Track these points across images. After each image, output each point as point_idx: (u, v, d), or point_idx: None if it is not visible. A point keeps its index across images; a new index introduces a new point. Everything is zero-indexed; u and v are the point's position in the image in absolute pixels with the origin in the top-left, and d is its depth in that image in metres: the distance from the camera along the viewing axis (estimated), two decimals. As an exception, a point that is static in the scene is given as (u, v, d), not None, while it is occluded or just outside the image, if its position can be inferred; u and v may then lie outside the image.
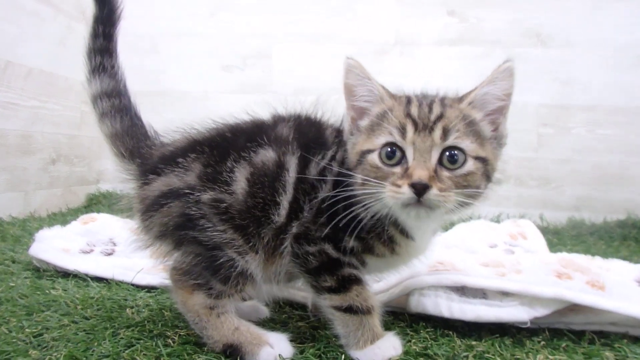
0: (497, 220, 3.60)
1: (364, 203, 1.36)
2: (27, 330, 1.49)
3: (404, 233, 1.43)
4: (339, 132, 1.54)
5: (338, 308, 1.40)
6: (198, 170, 1.44)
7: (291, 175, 1.43)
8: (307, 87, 4.25)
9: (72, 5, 3.95)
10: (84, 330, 1.50)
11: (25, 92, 3.52)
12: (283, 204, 1.42)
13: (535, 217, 3.89)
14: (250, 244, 1.40)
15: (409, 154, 1.33)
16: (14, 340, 1.41)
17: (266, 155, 1.45)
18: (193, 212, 1.40)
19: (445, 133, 1.33)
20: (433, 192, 1.27)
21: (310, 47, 4.38)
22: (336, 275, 1.40)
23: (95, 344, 1.40)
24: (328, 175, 1.44)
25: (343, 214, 1.35)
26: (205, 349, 1.39)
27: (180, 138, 1.58)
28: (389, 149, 1.35)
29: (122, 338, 1.45)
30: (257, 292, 1.53)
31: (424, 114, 1.37)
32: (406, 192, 1.27)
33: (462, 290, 1.63)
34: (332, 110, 1.58)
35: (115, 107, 1.68)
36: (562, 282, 1.60)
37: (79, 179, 4.24)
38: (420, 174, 1.28)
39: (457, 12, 4.22)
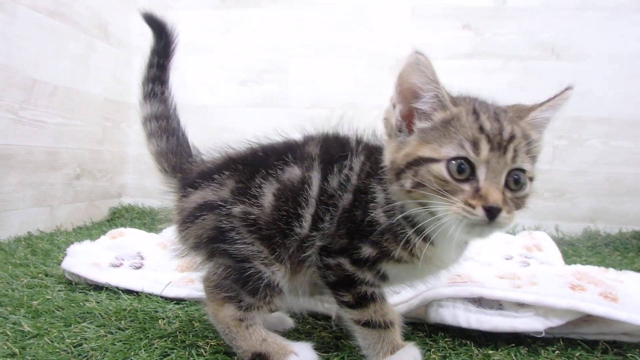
0: (513, 232, 3.64)
1: (403, 210, 1.38)
2: (67, 340, 1.56)
3: (425, 238, 1.38)
4: (358, 142, 1.58)
5: (357, 322, 1.45)
6: (231, 186, 1.53)
7: (313, 189, 1.49)
8: (322, 100, 4.34)
9: (94, 24, 4.03)
10: (121, 341, 1.58)
11: (51, 109, 3.61)
12: (305, 217, 1.48)
13: (550, 228, 3.95)
14: (275, 254, 1.47)
15: (481, 172, 1.29)
16: (56, 350, 1.49)
17: (292, 172, 1.52)
18: (224, 225, 1.49)
19: (515, 154, 1.32)
20: (503, 215, 1.25)
21: (325, 60, 4.45)
22: (352, 292, 1.45)
23: (132, 353, 1.48)
24: (347, 185, 1.48)
25: (360, 218, 1.42)
26: (235, 358, 1.46)
27: (218, 156, 1.68)
28: (461, 164, 1.29)
29: (156, 348, 1.52)
30: (283, 303, 1.58)
31: (497, 131, 1.32)
32: (480, 214, 1.24)
33: (479, 302, 1.69)
34: (350, 124, 1.64)
35: (162, 128, 1.80)
36: (576, 294, 1.66)
37: (101, 193, 4.33)
38: (495, 197, 1.25)
39: (471, 25, 4.27)
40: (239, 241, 1.47)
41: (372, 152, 1.54)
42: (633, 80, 4.06)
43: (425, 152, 1.34)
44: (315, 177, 1.51)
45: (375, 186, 1.45)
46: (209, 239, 1.52)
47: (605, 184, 4.12)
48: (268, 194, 1.50)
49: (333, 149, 1.56)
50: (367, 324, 1.44)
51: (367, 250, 1.42)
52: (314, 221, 1.48)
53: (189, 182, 1.62)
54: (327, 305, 1.86)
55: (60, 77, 3.65)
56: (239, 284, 1.47)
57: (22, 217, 3.38)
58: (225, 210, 1.50)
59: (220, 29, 4.61)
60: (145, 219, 4.03)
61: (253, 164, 1.56)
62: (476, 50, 4.28)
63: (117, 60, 4.39)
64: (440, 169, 1.30)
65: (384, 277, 1.46)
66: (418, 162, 1.34)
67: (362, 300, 1.45)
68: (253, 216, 1.48)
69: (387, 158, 1.43)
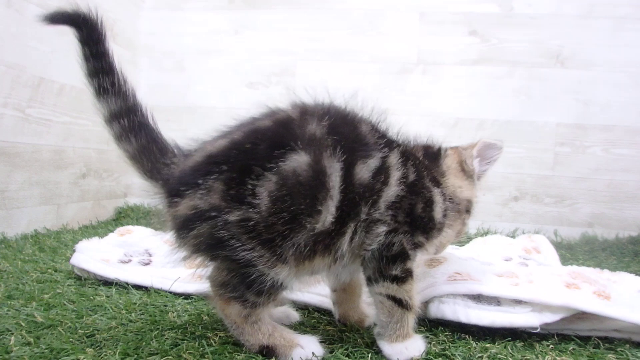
0: (513, 235, 3.70)
1: None
2: (80, 331, 1.61)
3: None
4: (373, 127, 1.61)
5: (391, 297, 1.51)
6: (220, 191, 1.42)
7: (335, 179, 1.45)
8: (330, 104, 4.37)
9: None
10: (132, 332, 1.63)
11: (58, 108, 3.66)
12: (329, 210, 1.44)
13: (549, 232, 4.01)
14: (277, 256, 1.43)
15: None
16: (70, 340, 1.53)
17: (297, 161, 1.44)
18: (222, 234, 1.42)
19: None
20: None
21: (333, 64, 4.49)
22: (403, 267, 1.51)
23: (144, 343, 1.52)
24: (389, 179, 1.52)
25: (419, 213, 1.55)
26: (244, 348, 1.51)
27: (196, 155, 1.54)
28: None
29: (167, 339, 1.57)
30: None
31: None
32: None
33: (478, 298, 1.74)
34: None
35: (127, 127, 1.62)
36: (571, 292, 1.72)
37: (107, 193, 4.38)
38: None
39: (478, 32, 4.33)
40: (239, 248, 1.42)
41: (407, 148, 1.68)
42: (637, 89, 4.11)
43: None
44: (335, 166, 1.46)
45: (434, 189, 1.62)
46: (207, 246, 1.46)
47: (606, 190, 4.17)
48: (265, 193, 1.41)
49: (346, 131, 1.53)
50: (399, 302, 1.50)
51: (420, 238, 1.56)
52: (343, 214, 1.47)
53: (173, 191, 1.50)
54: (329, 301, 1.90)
55: (67, 76, 3.69)
56: (244, 285, 1.46)
57: (29, 215, 3.43)
58: (220, 220, 1.41)
59: (229, 31, 4.65)
60: (150, 219, 4.06)
61: (241, 161, 1.45)
62: (482, 56, 4.34)
63: (123, 60, 4.31)
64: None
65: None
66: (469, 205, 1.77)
67: (406, 275, 1.52)
68: (252, 222, 1.41)
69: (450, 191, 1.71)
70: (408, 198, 1.53)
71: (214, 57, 4.66)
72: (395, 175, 1.53)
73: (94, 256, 2.32)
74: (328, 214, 1.45)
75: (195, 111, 4.59)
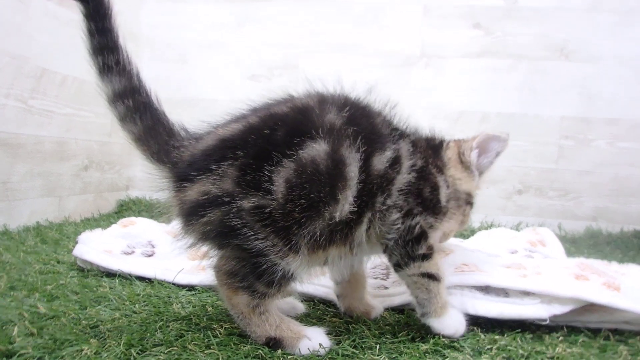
0: (517, 229, 3.68)
1: None
2: (83, 322, 1.59)
3: None
4: (385, 119, 1.63)
5: (424, 275, 1.53)
6: (235, 176, 1.40)
7: (353, 169, 1.46)
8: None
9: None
10: (136, 323, 1.61)
11: (60, 100, 3.64)
12: (347, 200, 1.45)
13: (553, 226, 3.97)
14: (290, 245, 1.42)
15: None
16: (74, 330, 1.52)
17: (316, 149, 1.43)
18: (234, 222, 1.40)
19: None
20: None
21: (336, 57, 4.46)
22: (426, 244, 1.54)
23: (148, 334, 1.50)
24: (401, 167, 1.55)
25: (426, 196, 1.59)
26: (250, 340, 1.49)
27: (208, 138, 1.52)
28: None
29: (172, 330, 1.55)
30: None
31: None
32: None
33: (486, 290, 1.73)
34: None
35: (132, 107, 1.58)
36: (580, 283, 1.70)
37: (109, 185, 4.36)
38: None
39: (482, 25, 4.29)
40: (252, 237, 1.40)
41: (415, 138, 1.71)
42: (643, 82, 4.09)
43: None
44: (354, 157, 1.46)
45: (438, 175, 1.65)
46: (217, 234, 1.44)
47: (611, 184, 4.15)
48: (281, 180, 1.40)
49: (363, 123, 1.54)
50: (433, 277, 1.54)
51: (430, 219, 1.59)
52: (362, 204, 1.48)
53: (182, 175, 1.47)
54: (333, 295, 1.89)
55: (69, 67, 3.66)
56: (253, 275, 1.45)
57: (31, 206, 3.41)
58: (234, 206, 1.39)
59: (232, 24, 4.62)
60: (152, 212, 4.04)
61: (259, 146, 1.43)
62: (486, 49, 4.30)
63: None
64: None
65: None
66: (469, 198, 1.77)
67: (431, 252, 1.55)
68: (267, 209, 1.39)
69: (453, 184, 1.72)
70: (417, 183, 1.56)
71: (217, 50, 4.63)
72: (407, 164, 1.56)
73: (97, 247, 2.30)
74: (346, 203, 1.45)
75: (198, 104, 4.56)
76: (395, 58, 4.39)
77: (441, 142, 1.80)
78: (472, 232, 3.23)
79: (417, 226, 1.53)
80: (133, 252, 2.36)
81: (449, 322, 1.55)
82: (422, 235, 1.54)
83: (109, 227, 2.65)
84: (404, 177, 1.54)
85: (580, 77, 4.14)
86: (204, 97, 4.57)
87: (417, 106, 4.28)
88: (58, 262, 2.38)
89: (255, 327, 1.49)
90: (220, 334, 1.54)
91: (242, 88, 4.54)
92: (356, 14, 4.46)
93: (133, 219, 2.74)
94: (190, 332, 1.54)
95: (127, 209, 4.30)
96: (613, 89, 4.12)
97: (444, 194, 1.64)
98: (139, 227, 2.60)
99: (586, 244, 3.61)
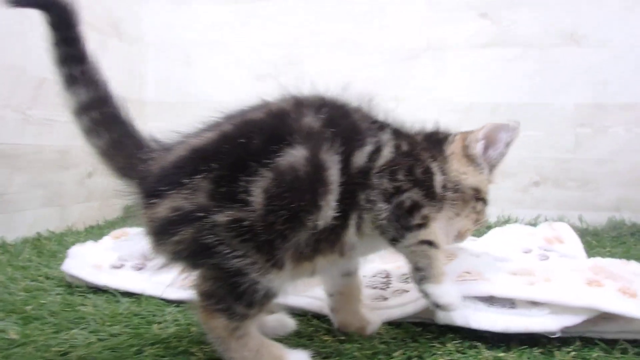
0: (535, 222, 3.54)
1: None
2: (54, 348, 1.49)
3: None
4: (364, 116, 1.56)
5: (424, 242, 1.45)
6: (208, 189, 1.30)
7: (334, 173, 1.37)
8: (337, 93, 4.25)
9: (105, 22, 3.99)
10: (110, 349, 1.50)
11: (61, 108, 3.53)
12: (329, 205, 1.36)
13: (574, 218, 3.84)
14: (273, 261, 1.32)
15: None
16: (41, 358, 1.42)
17: (295, 155, 1.34)
18: (208, 240, 1.28)
19: None
20: None
21: (341, 54, 4.36)
22: (419, 214, 1.45)
23: (119, 362, 1.40)
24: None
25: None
26: (229, 366, 1.37)
27: (179, 148, 1.41)
28: None
29: (146, 356, 1.45)
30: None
31: None
32: None
33: (490, 301, 1.61)
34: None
35: (97, 120, 1.50)
36: (593, 290, 1.56)
37: (115, 192, 4.26)
38: None
39: (489, 14, 4.16)
40: (229, 255, 1.28)
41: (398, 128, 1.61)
42: (657, 65, 3.93)
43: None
44: (333, 160, 1.38)
45: (431, 161, 1.55)
46: (190, 252, 1.33)
47: (630, 171, 3.97)
48: (259, 190, 1.29)
49: (342, 123, 1.46)
50: (431, 243, 1.46)
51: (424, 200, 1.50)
52: (345, 207, 1.40)
53: (150, 190, 1.36)
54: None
55: (70, 75, 3.57)
56: (232, 297, 1.33)
57: (32, 217, 3.34)
58: (208, 222, 1.28)
59: (235, 23, 4.54)
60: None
61: (234, 156, 1.33)
62: (494, 39, 4.17)
63: (129, 57, 4.35)
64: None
65: None
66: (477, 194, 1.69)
67: (427, 221, 1.46)
68: (245, 223, 1.28)
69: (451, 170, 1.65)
70: (404, 161, 1.47)
71: (221, 49, 4.56)
72: (387, 149, 1.48)
73: (86, 262, 2.21)
74: (329, 209, 1.36)
75: (202, 104, 4.46)
76: (399, 53, 4.27)
77: (446, 136, 1.72)
78: (489, 227, 3.09)
79: (407, 200, 1.44)
80: (123, 265, 2.25)
81: (448, 289, 1.47)
82: (415, 207, 1.44)
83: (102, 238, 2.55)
84: (383, 157, 1.45)
85: (593, 63, 3.99)
86: (209, 98, 4.47)
87: (425, 100, 4.18)
88: (47, 278, 2.28)
89: (234, 353, 1.36)
90: (199, 359, 1.44)
91: (248, 88, 4.42)
92: (360, 9, 4.35)
93: (126, 229, 2.63)
94: (166, 358, 1.44)
95: (133, 215, 4.21)
96: (627, 74, 3.96)
97: (438, 180, 1.55)
98: (132, 238, 2.49)
99: (609, 236, 3.45)
